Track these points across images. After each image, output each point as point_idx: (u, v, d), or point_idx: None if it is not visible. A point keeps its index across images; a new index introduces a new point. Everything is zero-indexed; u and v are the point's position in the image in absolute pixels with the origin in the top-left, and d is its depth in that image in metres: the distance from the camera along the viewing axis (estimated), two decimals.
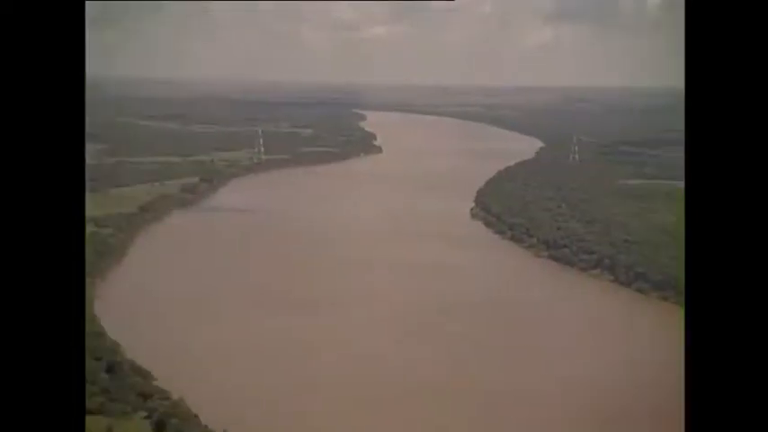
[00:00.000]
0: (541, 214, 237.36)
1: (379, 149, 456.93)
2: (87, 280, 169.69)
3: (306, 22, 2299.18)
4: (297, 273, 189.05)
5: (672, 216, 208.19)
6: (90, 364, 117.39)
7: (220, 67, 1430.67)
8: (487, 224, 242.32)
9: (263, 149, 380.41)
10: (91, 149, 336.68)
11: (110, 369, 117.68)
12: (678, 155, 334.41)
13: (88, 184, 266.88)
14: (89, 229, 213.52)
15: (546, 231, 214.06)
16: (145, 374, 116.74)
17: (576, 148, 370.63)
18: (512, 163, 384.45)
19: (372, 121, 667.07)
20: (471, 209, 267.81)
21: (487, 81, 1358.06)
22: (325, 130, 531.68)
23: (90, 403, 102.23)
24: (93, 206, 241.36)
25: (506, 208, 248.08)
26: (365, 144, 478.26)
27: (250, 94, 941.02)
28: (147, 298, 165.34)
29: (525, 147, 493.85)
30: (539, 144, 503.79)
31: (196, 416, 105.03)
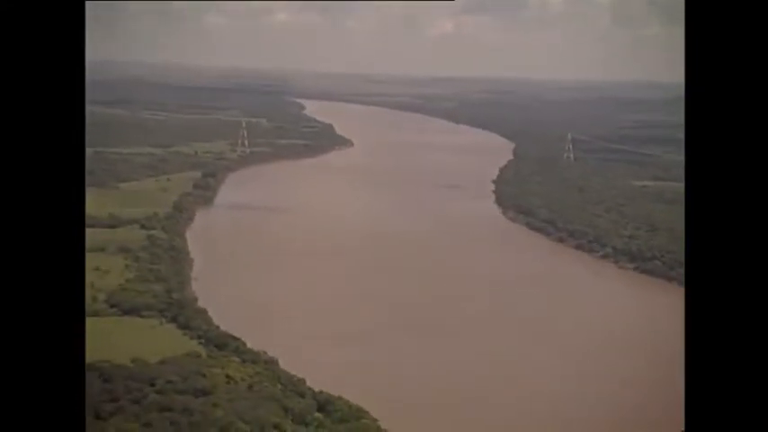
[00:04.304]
0: (597, 220, 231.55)
1: (348, 142, 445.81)
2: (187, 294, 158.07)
3: (212, 7, 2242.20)
4: (374, 278, 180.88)
5: None
6: (295, 402, 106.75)
7: (130, 51, 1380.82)
8: (534, 229, 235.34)
9: (247, 142, 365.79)
10: None
11: (322, 408, 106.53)
12: (669, 155, 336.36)
13: (88, 178, 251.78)
14: (142, 232, 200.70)
15: (617, 240, 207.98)
16: (363, 413, 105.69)
17: (571, 147, 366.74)
18: (490, 157, 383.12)
19: (313, 110, 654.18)
20: (504, 212, 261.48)
21: (404, 70, 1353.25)
22: (281, 121, 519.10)
23: None
24: (120, 204, 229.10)
25: (556, 213, 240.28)
26: (332, 136, 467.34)
27: (172, 78, 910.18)
28: (256, 309, 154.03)
29: (488, 140, 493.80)
30: (497, 137, 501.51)
31: None
